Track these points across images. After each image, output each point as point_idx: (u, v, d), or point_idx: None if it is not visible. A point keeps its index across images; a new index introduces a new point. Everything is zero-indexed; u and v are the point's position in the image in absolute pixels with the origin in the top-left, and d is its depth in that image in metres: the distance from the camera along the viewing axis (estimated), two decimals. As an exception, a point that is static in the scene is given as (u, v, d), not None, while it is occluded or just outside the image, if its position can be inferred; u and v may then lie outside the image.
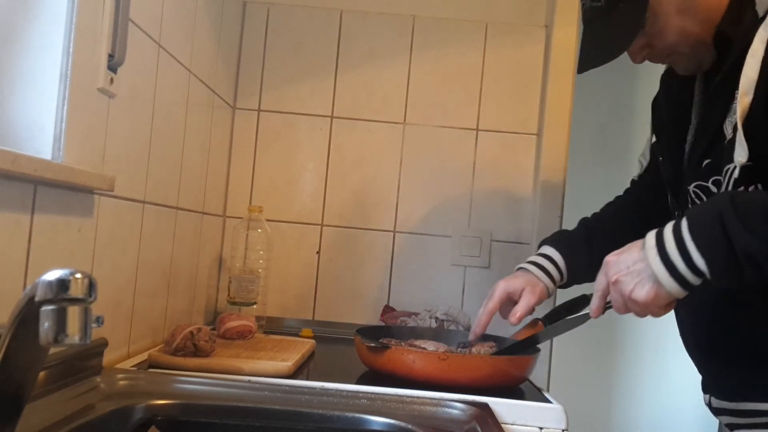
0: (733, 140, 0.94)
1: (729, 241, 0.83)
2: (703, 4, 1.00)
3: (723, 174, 0.97)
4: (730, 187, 0.95)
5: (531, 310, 1.24)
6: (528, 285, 1.24)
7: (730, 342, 1.04)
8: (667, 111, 1.18)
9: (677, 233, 0.88)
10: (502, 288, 1.25)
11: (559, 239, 1.32)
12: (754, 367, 1.01)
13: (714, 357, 1.08)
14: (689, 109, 1.11)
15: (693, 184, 1.05)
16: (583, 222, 1.37)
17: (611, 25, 1.03)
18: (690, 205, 1.07)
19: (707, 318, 1.07)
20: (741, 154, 0.91)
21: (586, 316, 1.09)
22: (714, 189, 1.01)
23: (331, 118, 1.83)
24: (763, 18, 0.93)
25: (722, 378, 1.08)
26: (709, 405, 1.12)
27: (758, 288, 0.96)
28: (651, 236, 0.91)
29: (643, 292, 0.90)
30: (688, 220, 0.88)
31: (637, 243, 0.93)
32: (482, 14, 1.83)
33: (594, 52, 1.05)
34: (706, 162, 1.02)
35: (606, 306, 1.02)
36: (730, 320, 1.03)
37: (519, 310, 1.22)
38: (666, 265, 0.88)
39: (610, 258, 0.95)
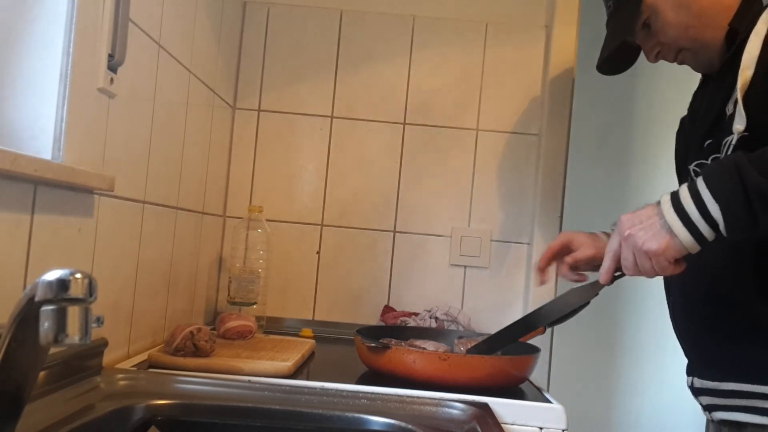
0: (733, 115, 0.99)
1: (743, 186, 0.85)
2: (697, 0, 1.10)
3: (721, 148, 1.02)
4: None
5: (588, 261, 1.24)
6: (589, 239, 1.26)
7: (720, 319, 1.06)
8: (692, 105, 1.24)
9: (692, 186, 0.91)
10: (567, 235, 1.28)
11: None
12: (742, 347, 1.03)
13: (703, 334, 1.10)
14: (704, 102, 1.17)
15: (694, 163, 1.11)
16: None
17: (617, 23, 1.18)
18: None
19: (700, 294, 1.09)
20: (740, 122, 0.96)
21: (596, 285, 1.08)
22: None
23: (331, 118, 1.83)
24: None
25: (708, 355, 1.10)
26: (691, 387, 1.14)
27: (752, 265, 1.00)
28: (665, 194, 0.94)
29: (655, 243, 0.91)
30: (703, 173, 0.90)
31: (653, 203, 0.96)
32: (482, 14, 1.83)
33: (604, 49, 1.21)
34: (708, 142, 1.07)
35: (615, 275, 1.02)
36: (722, 298, 1.05)
37: (575, 256, 1.24)
38: (680, 215, 0.90)
39: (625, 216, 0.97)
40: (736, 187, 0.86)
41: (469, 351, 1.24)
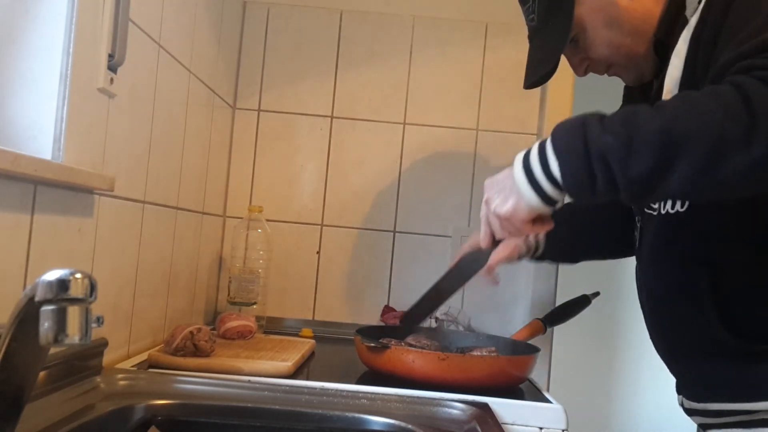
0: None
1: (585, 143, 0.80)
2: (628, 17, 1.03)
3: None
4: None
5: (501, 261, 1.21)
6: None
7: (691, 343, 1.03)
8: None
9: (542, 143, 0.86)
10: (474, 236, 1.22)
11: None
12: (716, 369, 1.00)
13: (679, 359, 1.07)
14: None
15: None
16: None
17: (544, 41, 1.09)
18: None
19: (668, 319, 1.06)
20: None
21: (483, 250, 1.06)
22: None
23: (331, 118, 1.83)
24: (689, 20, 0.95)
25: (689, 377, 1.07)
26: (681, 406, 1.11)
27: (708, 289, 0.96)
28: (520, 152, 0.89)
29: (505, 205, 0.89)
30: (553, 130, 0.85)
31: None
32: (482, 14, 1.83)
33: (531, 67, 1.11)
34: None
35: (496, 239, 0.99)
36: (688, 322, 1.01)
37: (491, 264, 1.19)
38: (527, 174, 0.86)
39: (487, 179, 0.94)
40: (577, 143, 0.80)
41: (401, 321, 1.25)
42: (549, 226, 0.92)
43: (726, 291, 0.96)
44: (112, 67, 1.04)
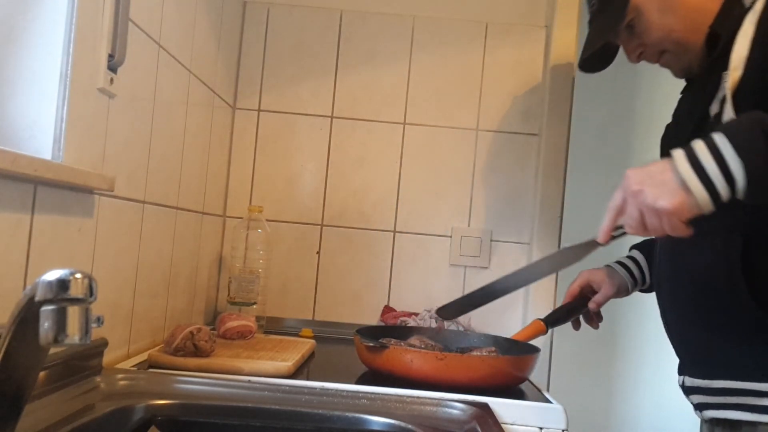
0: (718, 115, 0.99)
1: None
2: (683, 4, 1.10)
3: None
4: None
5: (607, 299, 1.29)
6: (608, 278, 1.29)
7: (710, 318, 1.05)
8: (675, 111, 1.24)
9: (709, 141, 0.86)
10: (585, 276, 1.32)
11: (644, 243, 1.34)
12: (732, 344, 1.02)
13: (693, 332, 1.09)
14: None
15: None
16: None
17: (602, 23, 1.18)
18: None
19: (690, 293, 1.08)
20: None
21: (591, 245, 1.04)
22: None
23: (331, 118, 1.83)
24: (750, 6, 1.00)
25: (698, 353, 1.09)
26: (682, 386, 1.13)
27: (740, 264, 0.98)
28: (677, 150, 0.89)
29: (668, 199, 0.86)
30: (721, 129, 0.86)
31: (662, 160, 0.91)
32: (482, 14, 1.83)
33: (586, 48, 1.19)
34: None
35: (614, 234, 0.97)
36: (712, 297, 1.03)
37: (598, 297, 1.29)
38: (696, 170, 0.85)
39: (631, 170, 0.91)
40: (759, 143, 0.82)
41: (438, 311, 1.26)
42: (692, 231, 0.90)
43: (757, 263, 0.98)
44: (112, 67, 1.04)
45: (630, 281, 1.30)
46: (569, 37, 1.74)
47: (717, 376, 1.04)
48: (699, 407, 1.10)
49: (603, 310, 1.34)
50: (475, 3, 1.83)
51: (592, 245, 1.04)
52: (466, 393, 1.09)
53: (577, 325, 1.35)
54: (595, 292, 1.30)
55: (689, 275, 1.06)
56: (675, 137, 1.15)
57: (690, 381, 1.10)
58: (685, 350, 1.13)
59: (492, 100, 1.82)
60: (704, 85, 1.07)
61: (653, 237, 1.19)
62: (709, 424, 1.10)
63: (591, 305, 1.29)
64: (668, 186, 0.86)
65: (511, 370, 1.20)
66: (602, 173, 2.46)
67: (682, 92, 1.23)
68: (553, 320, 1.35)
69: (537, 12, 1.82)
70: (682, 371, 1.14)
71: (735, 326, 1.02)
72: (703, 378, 1.07)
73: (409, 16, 1.83)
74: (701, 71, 1.12)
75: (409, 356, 1.17)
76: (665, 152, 1.21)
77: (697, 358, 1.10)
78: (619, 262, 1.33)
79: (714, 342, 1.05)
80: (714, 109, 1.03)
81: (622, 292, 1.30)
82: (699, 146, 0.86)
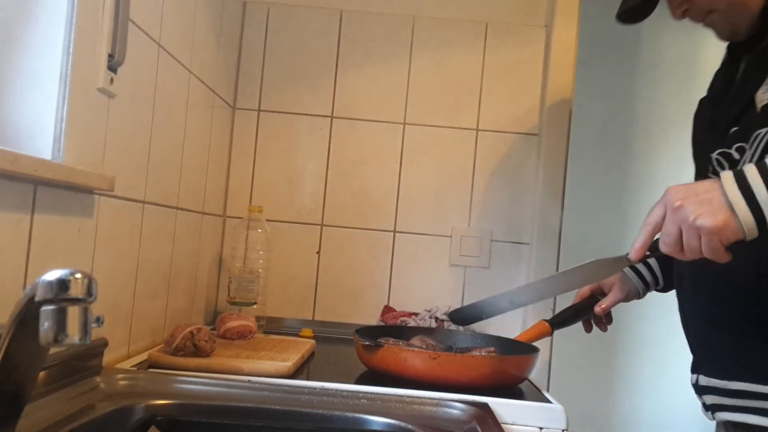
0: (766, 106, 0.93)
1: None
2: None
3: (751, 140, 0.96)
4: (758, 153, 0.94)
5: (615, 304, 1.28)
6: (619, 282, 1.27)
7: (731, 318, 1.03)
8: (713, 86, 1.18)
9: (762, 166, 0.83)
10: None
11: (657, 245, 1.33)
12: (753, 346, 1.00)
13: (713, 331, 1.06)
14: (731, 83, 1.11)
15: (716, 152, 1.04)
16: None
17: None
18: (710, 174, 1.05)
19: (712, 291, 1.05)
20: None
21: (622, 261, 1.01)
22: (737, 156, 1.00)
23: (331, 118, 1.83)
24: None
25: (717, 353, 1.06)
26: (695, 384, 1.10)
27: (765, 264, 0.95)
28: (727, 171, 0.86)
29: (712, 218, 0.82)
30: None
31: (709, 179, 0.87)
32: (482, 14, 1.83)
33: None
34: (733, 129, 1.02)
35: (647, 253, 0.93)
36: (735, 297, 1.01)
37: (605, 302, 1.26)
38: (744, 194, 0.82)
39: (674, 186, 0.87)
40: None
41: (450, 314, 1.25)
42: (731, 257, 0.86)
43: None
44: (112, 67, 1.04)
45: (641, 286, 1.28)
46: (569, 37, 1.74)
47: (735, 377, 1.01)
48: (712, 408, 1.07)
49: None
50: (475, 3, 1.83)
51: (623, 261, 1.02)
52: (466, 393, 1.09)
53: (588, 327, 1.34)
54: (604, 295, 1.29)
55: (714, 274, 1.02)
56: (712, 122, 1.09)
57: (705, 380, 1.07)
58: (702, 348, 1.10)
59: (492, 100, 1.82)
60: (755, 67, 1.00)
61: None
62: (724, 427, 1.07)
63: (597, 309, 1.27)
64: (713, 205, 0.83)
65: (508, 370, 1.20)
66: (602, 173, 2.46)
67: (722, 66, 1.15)
68: (559, 321, 1.34)
69: (537, 12, 1.82)
70: (696, 369, 1.11)
71: (760, 327, 0.99)
72: (720, 378, 1.04)
73: (409, 16, 1.83)
74: (749, 37, 1.04)
75: (403, 355, 1.17)
76: (698, 131, 1.17)
77: (714, 357, 1.07)
78: (631, 266, 1.30)
79: (736, 342, 1.02)
80: (763, 98, 0.96)
81: (632, 297, 1.28)
82: (751, 171, 0.83)
